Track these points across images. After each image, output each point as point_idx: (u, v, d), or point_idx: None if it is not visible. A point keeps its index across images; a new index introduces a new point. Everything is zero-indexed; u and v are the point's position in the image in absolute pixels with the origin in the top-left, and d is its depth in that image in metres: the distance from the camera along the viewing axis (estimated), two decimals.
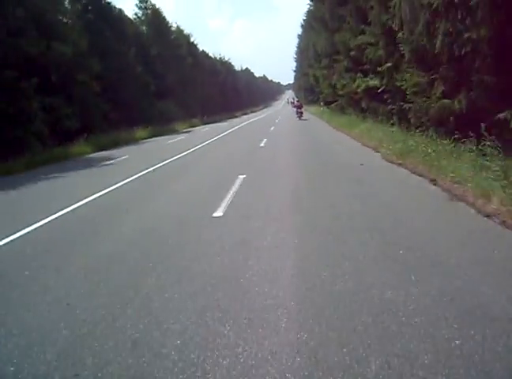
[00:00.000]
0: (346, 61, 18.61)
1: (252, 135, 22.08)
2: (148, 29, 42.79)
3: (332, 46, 21.89)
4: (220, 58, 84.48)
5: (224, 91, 70.91)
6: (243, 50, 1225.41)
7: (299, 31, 58.76)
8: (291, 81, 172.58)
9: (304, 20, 44.72)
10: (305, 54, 42.70)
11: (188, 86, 45.34)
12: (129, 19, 40.27)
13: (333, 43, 20.74)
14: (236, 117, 60.30)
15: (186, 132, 30.75)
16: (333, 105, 25.37)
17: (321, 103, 32.97)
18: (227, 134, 24.36)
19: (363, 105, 16.24)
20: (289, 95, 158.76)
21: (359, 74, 15.63)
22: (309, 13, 37.75)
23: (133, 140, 24.22)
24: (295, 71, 71.58)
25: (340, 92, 20.58)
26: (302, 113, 32.72)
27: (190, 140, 22.46)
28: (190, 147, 17.50)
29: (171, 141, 22.44)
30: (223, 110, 63.13)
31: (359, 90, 15.53)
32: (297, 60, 68.61)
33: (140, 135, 25.06)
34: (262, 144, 16.28)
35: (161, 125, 33.82)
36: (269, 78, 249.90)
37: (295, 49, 75.64)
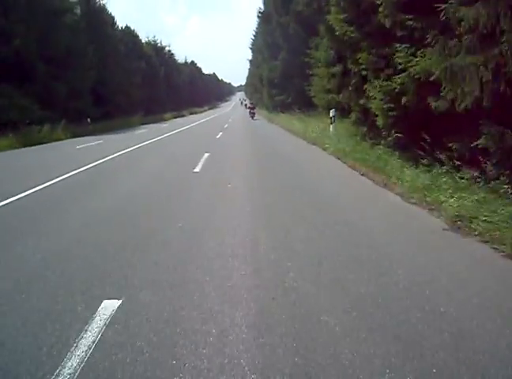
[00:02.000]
0: None
1: None
2: None
3: None
4: (154, 42, 64.73)
5: (152, 83, 51.41)
6: (196, 49, 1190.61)
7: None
8: (243, 83, 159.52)
9: None
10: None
11: (68, 64, 25.65)
12: None
13: None
14: (163, 120, 41.28)
15: None
16: None
17: (332, 113, 14.00)
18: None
19: None
20: (240, 96, 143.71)
21: None
22: None
23: None
24: (250, 61, 53.72)
25: None
26: (254, 113, 33.14)
27: None
28: None
29: None
30: (145, 110, 43.92)
31: None
32: (254, 48, 50.81)
33: None
34: None
35: None
36: (220, 77, 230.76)
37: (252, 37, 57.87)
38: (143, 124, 34.25)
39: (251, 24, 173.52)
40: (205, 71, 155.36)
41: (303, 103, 23.08)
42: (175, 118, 48.43)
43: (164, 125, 32.13)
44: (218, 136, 16.87)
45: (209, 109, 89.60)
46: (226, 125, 25.15)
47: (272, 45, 25.16)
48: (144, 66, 47.26)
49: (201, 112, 73.26)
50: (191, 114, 64.04)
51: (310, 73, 20.02)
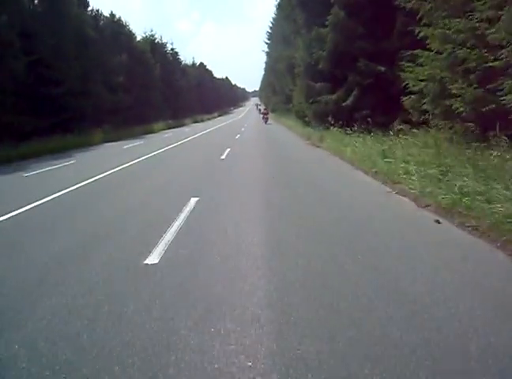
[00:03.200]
0: None
1: None
2: None
3: None
4: (152, 37, 54.35)
5: (144, 85, 40.60)
6: (209, 54, 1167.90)
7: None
8: (257, 88, 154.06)
9: None
10: None
11: None
12: None
13: None
14: (147, 134, 30.26)
15: None
16: None
17: None
18: None
19: None
20: (254, 101, 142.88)
21: None
22: None
23: None
24: (268, 53, 42.66)
25: None
26: (267, 118, 35.19)
27: None
28: None
29: None
30: (131, 118, 33.39)
31: None
32: (271, 42, 40.12)
33: None
34: None
35: None
36: (233, 82, 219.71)
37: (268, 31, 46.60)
38: (108, 141, 23.16)
39: (265, 29, 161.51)
40: (218, 75, 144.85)
41: (378, 109, 11.71)
42: (169, 128, 37.31)
43: (134, 144, 20.56)
44: (183, 217, 5.28)
45: (219, 116, 78.66)
46: (227, 152, 13.54)
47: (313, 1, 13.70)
48: (128, 61, 36.20)
49: (209, 120, 62.34)
50: (195, 122, 53.06)
51: (419, 33, 8.64)
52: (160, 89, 46.70)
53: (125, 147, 18.92)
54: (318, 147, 13.18)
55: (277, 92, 35.38)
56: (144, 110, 38.71)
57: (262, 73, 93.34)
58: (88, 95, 26.59)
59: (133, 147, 18.67)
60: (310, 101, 14.59)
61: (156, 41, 54.89)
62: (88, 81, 26.78)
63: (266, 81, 59.72)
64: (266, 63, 53.55)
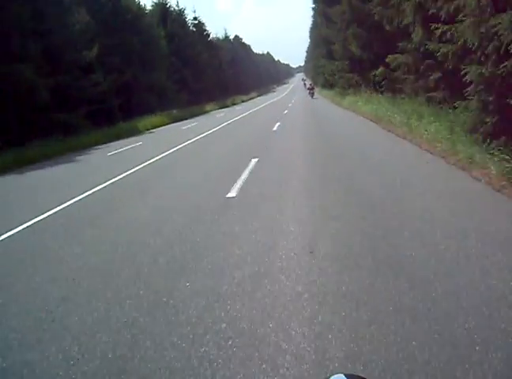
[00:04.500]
0: None
1: None
2: None
3: None
4: (161, 1, 42.42)
5: (144, 61, 28.74)
6: (251, 33, 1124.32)
7: None
8: (302, 64, 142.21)
9: None
10: None
11: None
12: None
13: None
14: (124, 138, 18.54)
15: None
16: None
17: None
18: None
19: None
20: (299, 77, 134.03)
21: None
22: None
23: None
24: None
25: None
26: (313, 93, 36.35)
27: None
28: None
29: None
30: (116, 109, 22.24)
31: None
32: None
33: None
34: None
35: None
36: (276, 58, 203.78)
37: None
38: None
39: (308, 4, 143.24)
40: (258, 51, 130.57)
41: None
42: (171, 123, 25.25)
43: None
44: None
45: (258, 96, 65.79)
46: None
47: None
48: (104, 28, 24.18)
49: (243, 102, 49.80)
50: (224, 107, 40.83)
51: None
52: (170, 68, 34.80)
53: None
54: None
55: (335, 56, 22.04)
56: (139, 98, 27.02)
57: (307, 45, 78.79)
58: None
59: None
60: None
61: (168, 6, 42.69)
62: None
63: (316, 42, 46.43)
64: (314, 9, 40.44)
